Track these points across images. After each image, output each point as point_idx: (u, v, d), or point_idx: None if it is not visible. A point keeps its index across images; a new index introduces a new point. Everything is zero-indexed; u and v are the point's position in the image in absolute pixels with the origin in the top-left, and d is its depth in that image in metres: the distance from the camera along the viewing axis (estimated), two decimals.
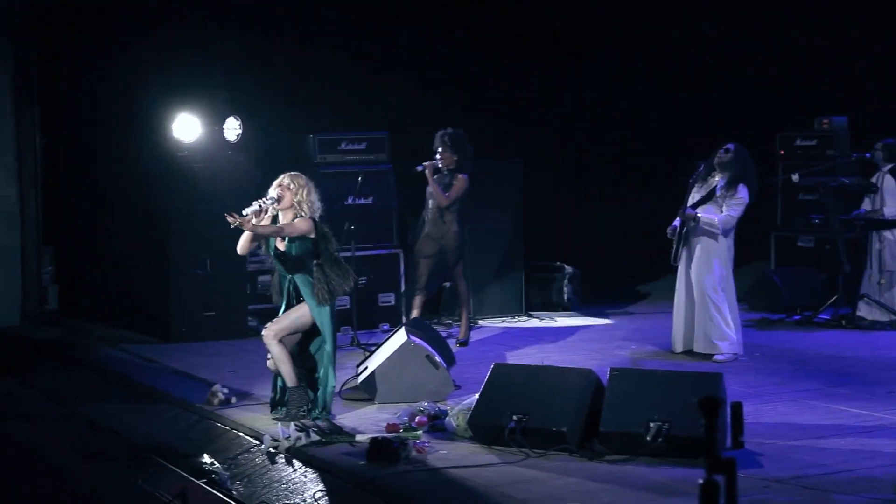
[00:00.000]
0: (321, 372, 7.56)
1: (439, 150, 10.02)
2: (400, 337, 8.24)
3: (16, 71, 12.16)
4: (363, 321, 10.63)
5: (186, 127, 10.81)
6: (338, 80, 12.47)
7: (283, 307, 7.61)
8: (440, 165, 10.02)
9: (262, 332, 7.53)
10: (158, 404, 8.40)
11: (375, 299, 11.11)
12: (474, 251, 11.13)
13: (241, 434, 7.39)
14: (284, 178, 7.57)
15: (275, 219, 7.62)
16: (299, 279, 7.52)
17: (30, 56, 12.29)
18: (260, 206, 7.49)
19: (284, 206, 7.55)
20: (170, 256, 10.76)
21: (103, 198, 12.13)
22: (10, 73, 12.16)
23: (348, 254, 10.28)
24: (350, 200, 10.91)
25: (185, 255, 10.79)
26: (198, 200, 10.70)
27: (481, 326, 11.15)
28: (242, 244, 7.58)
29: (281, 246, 7.53)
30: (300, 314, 7.51)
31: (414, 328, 8.48)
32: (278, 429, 7.10)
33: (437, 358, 8.06)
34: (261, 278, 11.00)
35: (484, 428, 6.79)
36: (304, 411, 7.48)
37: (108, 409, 8.42)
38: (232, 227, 7.46)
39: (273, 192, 7.55)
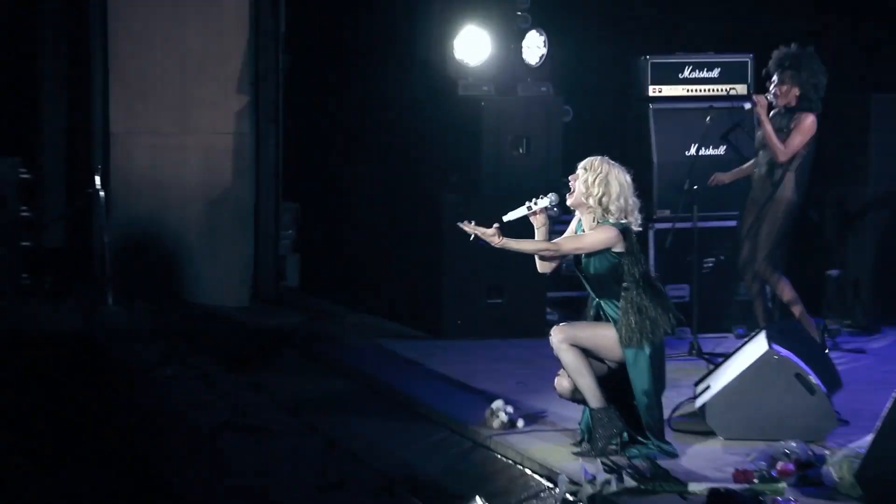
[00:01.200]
0: (641, 396, 7.42)
1: (775, 78, 9.88)
2: (759, 346, 8.05)
3: None
4: (708, 321, 10.47)
5: (472, 45, 10.87)
6: None
7: None
8: (774, 101, 9.83)
9: (551, 333, 7.51)
10: (420, 423, 8.50)
11: (729, 290, 10.87)
12: (856, 226, 10.80)
13: (527, 471, 7.39)
14: (582, 164, 7.46)
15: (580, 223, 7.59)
16: (606, 305, 7.49)
17: None
18: (529, 208, 7.45)
19: (576, 202, 7.44)
20: (443, 220, 10.77)
21: (357, 140, 12.38)
22: None
23: (688, 225, 10.19)
24: (693, 149, 10.66)
25: (465, 218, 10.60)
26: (484, 144, 10.73)
27: (884, 334, 10.79)
28: (540, 262, 7.61)
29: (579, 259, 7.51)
30: (605, 333, 7.42)
31: (780, 334, 8.24)
32: (580, 467, 7.06)
33: (814, 378, 7.83)
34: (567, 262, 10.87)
35: (882, 483, 6.57)
36: (615, 444, 7.39)
37: (354, 424, 8.54)
38: (471, 240, 7.48)
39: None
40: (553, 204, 7.47)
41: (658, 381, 7.40)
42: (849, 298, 10.76)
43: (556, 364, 7.57)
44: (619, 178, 7.38)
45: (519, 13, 10.95)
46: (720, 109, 10.55)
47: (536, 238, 7.49)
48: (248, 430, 8.34)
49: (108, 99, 12.40)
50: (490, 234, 7.38)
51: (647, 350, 7.33)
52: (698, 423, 7.90)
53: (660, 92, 11.04)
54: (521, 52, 10.93)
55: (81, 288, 12.25)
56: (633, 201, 7.40)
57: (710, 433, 7.79)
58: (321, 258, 12.85)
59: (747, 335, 8.88)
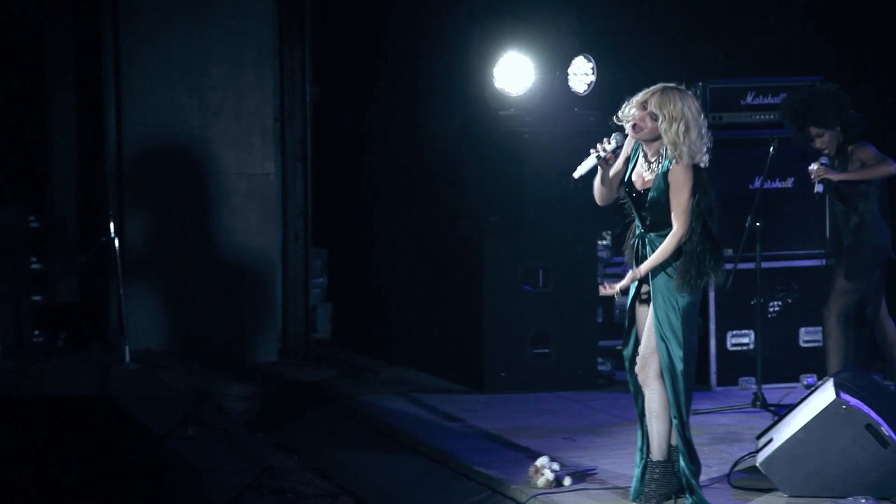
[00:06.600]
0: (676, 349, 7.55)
1: (813, 132, 9.88)
2: (826, 395, 8.14)
3: None
4: (773, 370, 10.63)
5: (514, 73, 11.00)
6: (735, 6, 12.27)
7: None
8: (823, 149, 9.89)
9: (636, 370, 7.63)
10: (459, 482, 8.65)
11: (796, 336, 11.03)
12: None
13: None
14: (650, 98, 7.41)
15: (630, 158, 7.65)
16: (650, 241, 7.57)
17: None
18: (599, 156, 7.50)
19: (645, 137, 7.47)
20: (485, 264, 11.03)
21: (391, 178, 12.54)
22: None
23: (750, 265, 10.30)
24: (757, 183, 10.81)
25: (508, 262, 11.03)
26: (528, 181, 10.95)
27: None
28: (598, 192, 7.69)
29: (640, 184, 7.53)
30: (648, 317, 7.62)
31: (850, 382, 8.33)
32: None
33: (887, 430, 7.93)
34: (619, 300, 11.09)
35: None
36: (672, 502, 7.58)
37: (388, 485, 8.76)
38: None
39: (628, 114, 7.46)
40: (620, 143, 7.53)
41: (691, 334, 7.53)
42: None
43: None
44: (692, 117, 7.35)
45: (565, 37, 11.05)
46: (786, 137, 10.41)
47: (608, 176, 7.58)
48: (275, 492, 8.44)
49: (122, 139, 12.49)
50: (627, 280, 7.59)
51: (689, 301, 7.45)
52: (760, 479, 7.97)
53: (720, 119, 11.02)
54: (567, 80, 11.04)
55: (97, 344, 12.40)
56: (706, 139, 7.40)
57: (772, 489, 7.88)
58: (355, 308, 12.98)
59: (815, 385, 8.82)
